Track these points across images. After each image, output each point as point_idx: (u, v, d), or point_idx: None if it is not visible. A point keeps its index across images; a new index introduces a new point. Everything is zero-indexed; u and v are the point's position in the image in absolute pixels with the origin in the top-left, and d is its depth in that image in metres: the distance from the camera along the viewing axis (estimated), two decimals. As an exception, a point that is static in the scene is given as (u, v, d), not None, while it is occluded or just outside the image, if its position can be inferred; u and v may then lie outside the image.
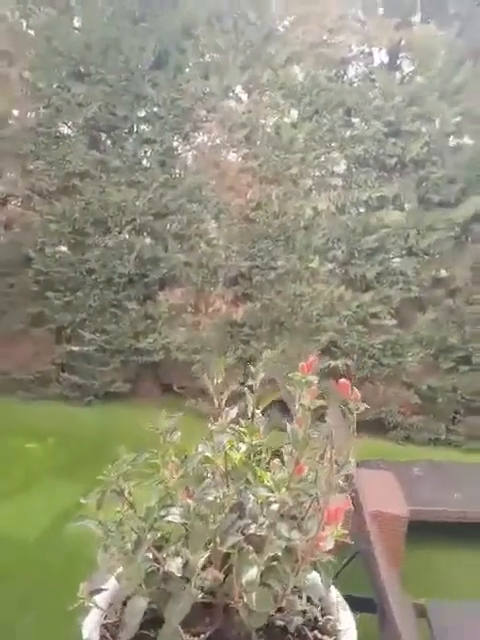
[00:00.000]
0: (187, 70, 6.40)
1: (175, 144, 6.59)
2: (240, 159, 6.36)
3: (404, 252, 5.87)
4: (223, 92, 6.34)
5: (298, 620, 0.77)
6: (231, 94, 6.50)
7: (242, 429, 0.84)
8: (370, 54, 6.43)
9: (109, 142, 6.54)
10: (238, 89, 6.52)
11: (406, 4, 6.07)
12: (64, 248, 6.57)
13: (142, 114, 6.52)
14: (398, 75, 6.27)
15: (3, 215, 6.62)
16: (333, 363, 5.75)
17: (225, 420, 0.85)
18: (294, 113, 6.41)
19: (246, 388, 0.82)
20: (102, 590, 0.78)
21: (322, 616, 0.82)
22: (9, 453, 4.81)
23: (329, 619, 0.82)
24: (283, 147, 6.06)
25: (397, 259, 5.87)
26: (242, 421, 0.86)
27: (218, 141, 6.48)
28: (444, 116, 5.74)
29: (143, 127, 6.58)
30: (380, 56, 6.58)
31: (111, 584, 0.79)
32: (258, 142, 6.15)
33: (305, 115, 6.10)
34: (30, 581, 3.25)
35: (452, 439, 5.86)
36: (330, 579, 0.82)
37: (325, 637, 0.80)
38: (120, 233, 6.40)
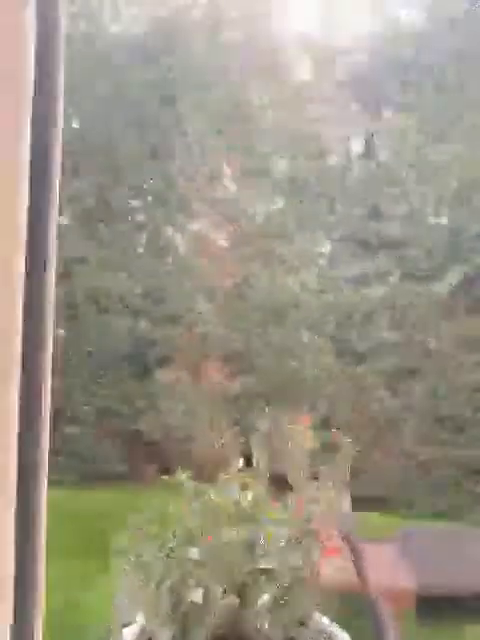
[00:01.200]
0: (178, 162, 6.87)
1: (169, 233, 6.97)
2: (231, 243, 6.72)
3: (392, 325, 6.07)
4: (213, 181, 6.79)
5: (307, 651, 0.86)
6: (220, 183, 6.97)
7: (248, 478, 0.96)
8: (348, 142, 7.01)
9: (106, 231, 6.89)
10: (227, 180, 7.01)
11: (375, 100, 6.70)
12: (61, 331, 6.73)
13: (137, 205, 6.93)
14: (374, 162, 6.80)
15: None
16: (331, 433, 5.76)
17: (234, 470, 0.97)
18: (280, 201, 6.88)
19: (252, 442, 0.96)
20: (129, 624, 0.86)
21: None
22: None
23: (335, 651, 0.90)
24: (272, 232, 6.43)
25: (385, 332, 6.07)
26: (247, 471, 0.98)
27: (210, 229, 6.88)
28: (422, 197, 6.17)
29: (138, 217, 6.97)
30: (356, 146, 7.17)
31: (137, 622, 0.88)
32: (248, 227, 6.53)
33: (291, 202, 6.54)
34: None
35: (454, 511, 5.76)
36: (334, 612, 0.91)
37: (332, 668, 0.88)
38: (118, 316, 6.59)
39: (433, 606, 3.43)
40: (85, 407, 6.54)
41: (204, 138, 6.73)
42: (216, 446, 5.98)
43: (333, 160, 7.06)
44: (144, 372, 6.70)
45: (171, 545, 0.86)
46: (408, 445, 5.92)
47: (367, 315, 6.05)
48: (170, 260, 6.94)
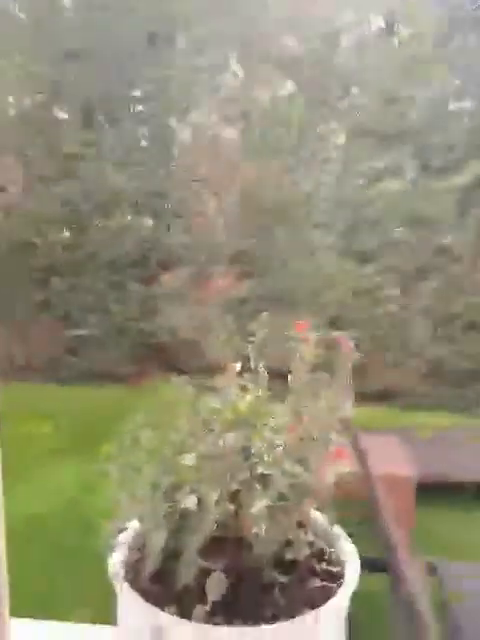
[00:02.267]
0: (181, 47, 6.35)
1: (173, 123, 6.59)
2: (238, 134, 6.35)
3: (406, 221, 5.87)
4: (218, 67, 6.30)
5: (305, 551, 0.85)
6: (226, 69, 6.46)
7: (247, 382, 0.91)
8: (365, 21, 6.37)
9: (106, 124, 6.53)
10: (233, 63, 6.48)
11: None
12: (67, 233, 6.62)
13: (137, 94, 6.50)
14: (396, 41, 6.21)
15: (3, 202, 6.65)
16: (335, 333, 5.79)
17: (231, 374, 0.91)
18: (290, 85, 6.38)
19: (249, 344, 0.89)
20: (125, 529, 0.85)
21: (330, 549, 0.89)
22: (22, 436, 4.92)
23: (333, 551, 0.89)
24: (280, 121, 6.04)
25: (399, 228, 5.88)
26: (246, 375, 0.92)
27: (215, 118, 6.47)
28: (443, 80, 5.70)
29: (139, 107, 6.56)
30: (376, 23, 6.52)
31: (132, 526, 0.87)
32: (255, 117, 6.13)
33: (302, 86, 6.07)
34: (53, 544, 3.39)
35: (460, 405, 5.92)
36: (333, 514, 0.89)
37: (331, 567, 0.87)
38: (121, 215, 6.43)
39: (433, 494, 3.60)
40: (91, 313, 6.58)
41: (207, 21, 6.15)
42: (221, 350, 6.09)
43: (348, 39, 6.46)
44: (150, 274, 6.67)
45: (165, 450, 0.82)
46: (417, 343, 5.97)
47: (380, 211, 5.82)
48: (175, 154, 6.62)
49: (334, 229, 6.04)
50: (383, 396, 5.84)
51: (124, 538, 0.85)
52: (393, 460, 3.52)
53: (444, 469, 3.84)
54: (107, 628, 0.89)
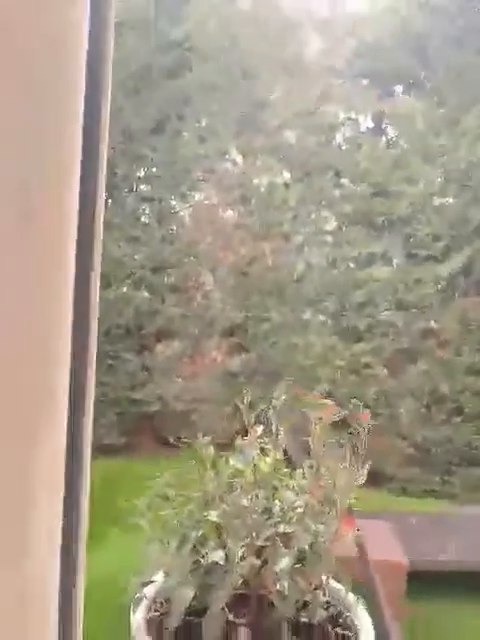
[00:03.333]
0: (185, 134, 6.80)
1: (173, 203, 6.93)
2: (235, 216, 6.68)
3: (393, 305, 6.09)
4: (219, 155, 6.73)
5: (322, 614, 0.88)
6: (227, 157, 6.91)
7: (267, 445, 0.97)
8: (356, 121, 6.93)
9: (109, 201, 6.84)
10: (233, 153, 6.94)
11: (387, 77, 6.60)
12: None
13: (141, 174, 6.87)
14: (384, 139, 6.73)
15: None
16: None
17: (253, 437, 0.98)
18: (286, 175, 6.80)
19: (270, 408, 0.96)
20: (151, 582, 0.88)
21: (343, 613, 0.93)
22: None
23: (348, 616, 0.92)
24: (276, 206, 6.39)
25: (387, 312, 6.08)
26: (266, 438, 0.99)
27: (214, 200, 6.82)
28: (427, 177, 6.12)
29: (142, 187, 6.91)
30: (366, 123, 7.09)
31: (159, 579, 0.90)
32: (253, 201, 6.48)
33: (297, 177, 6.47)
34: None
35: (448, 491, 5.86)
36: (349, 581, 0.93)
37: (346, 632, 0.90)
38: (119, 287, 6.58)
39: (424, 583, 3.51)
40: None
41: (211, 111, 6.65)
42: (217, 421, 6.08)
43: (341, 136, 6.98)
44: (144, 345, 6.73)
45: (190, 507, 0.87)
46: (405, 425, 5.99)
47: (369, 294, 6.05)
48: (174, 231, 6.91)
49: (325, 308, 6.24)
50: (370, 478, 5.78)
51: (148, 593, 0.87)
52: (385, 546, 3.46)
53: (433, 557, 3.76)
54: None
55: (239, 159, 6.98)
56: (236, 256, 6.45)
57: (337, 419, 0.93)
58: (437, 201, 6.27)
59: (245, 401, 0.92)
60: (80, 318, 0.51)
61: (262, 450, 0.94)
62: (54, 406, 0.47)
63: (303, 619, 0.87)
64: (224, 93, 6.63)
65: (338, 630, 0.89)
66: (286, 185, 6.60)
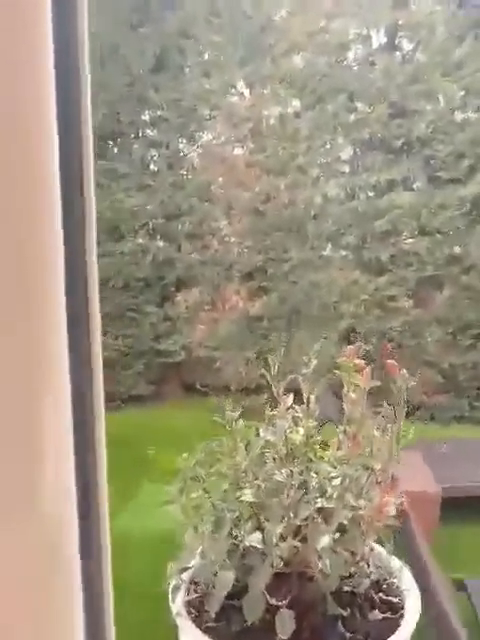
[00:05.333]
0: (187, 70, 6.46)
1: (180, 145, 6.68)
2: (247, 153, 6.42)
3: (416, 232, 5.88)
4: (225, 89, 6.39)
5: (366, 583, 0.85)
6: (233, 90, 6.56)
7: (299, 414, 0.92)
8: (368, 37, 6.44)
9: (116, 149, 6.62)
10: (240, 85, 6.58)
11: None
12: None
13: (147, 118, 6.60)
14: (398, 54, 6.27)
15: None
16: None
17: (284, 407, 0.92)
18: (296, 103, 6.45)
19: (300, 376, 0.90)
20: (188, 568, 0.86)
21: (387, 578, 0.89)
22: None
23: (393, 582, 0.89)
24: (288, 138, 6.10)
25: (410, 240, 5.89)
26: (297, 407, 0.93)
27: (223, 138, 6.55)
28: (447, 92, 5.73)
29: (148, 131, 6.66)
30: (379, 38, 6.58)
31: (195, 563, 0.87)
32: (264, 135, 6.19)
33: (308, 104, 6.13)
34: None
35: (476, 416, 5.86)
36: (392, 546, 0.89)
37: (390, 598, 0.87)
38: (134, 238, 6.48)
39: (457, 508, 3.55)
40: (106, 334, 6.60)
41: (213, 41, 6.26)
42: (241, 367, 6.10)
43: (353, 55, 6.53)
44: (165, 295, 6.71)
45: (224, 487, 0.83)
46: (432, 353, 5.93)
47: (391, 223, 5.84)
48: (185, 175, 6.70)
49: (346, 242, 6.06)
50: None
51: (187, 577, 0.85)
52: (417, 477, 3.48)
53: (465, 483, 3.78)
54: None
55: (246, 91, 6.62)
56: (251, 195, 6.25)
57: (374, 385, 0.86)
58: (459, 117, 5.90)
59: (273, 369, 0.86)
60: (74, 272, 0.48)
61: (294, 420, 0.88)
62: (56, 358, 0.44)
63: (346, 588, 0.83)
64: (225, 19, 6.21)
65: (382, 595, 0.86)
66: (297, 114, 6.27)
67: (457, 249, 5.89)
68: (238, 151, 6.58)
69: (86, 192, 0.51)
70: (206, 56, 6.53)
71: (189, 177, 6.62)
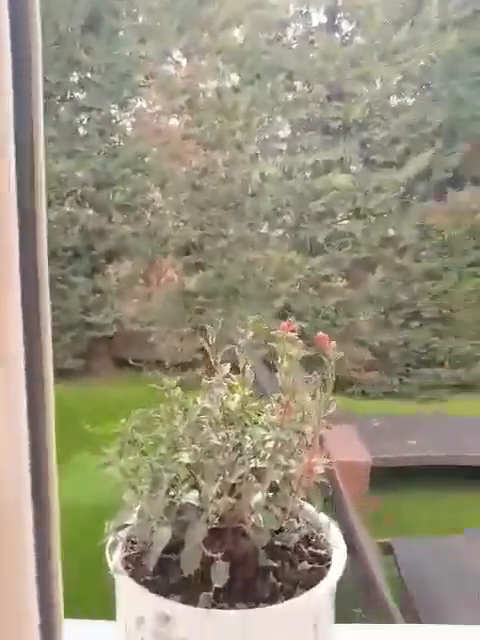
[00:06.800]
0: (121, 34, 6.23)
1: (113, 111, 6.47)
2: (183, 125, 6.31)
3: (352, 214, 6.05)
4: (160, 57, 6.23)
5: (295, 538, 0.91)
6: (169, 59, 6.41)
7: (235, 382, 0.95)
8: (308, 15, 6.47)
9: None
10: (176, 54, 6.43)
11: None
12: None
13: (76, 80, 6.32)
14: (337, 36, 6.34)
15: None
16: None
17: (220, 375, 0.95)
18: (235, 78, 6.40)
19: (236, 346, 0.93)
20: (126, 525, 0.88)
21: (315, 533, 0.96)
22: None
23: (321, 536, 0.95)
24: (226, 112, 6.05)
25: (345, 221, 6.05)
26: (233, 376, 0.97)
27: (158, 107, 6.40)
28: (384, 76, 5.88)
29: (77, 94, 6.39)
30: (318, 17, 6.63)
31: (133, 521, 0.90)
32: (200, 108, 6.11)
33: (247, 79, 6.10)
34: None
35: (405, 391, 6.19)
36: (321, 503, 0.96)
37: (318, 551, 0.94)
38: (62, 205, 6.25)
39: (386, 478, 3.76)
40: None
41: (149, 6, 6.06)
42: (176, 342, 6.10)
43: (292, 33, 6.55)
44: (95, 266, 6.55)
45: (161, 450, 0.86)
46: (364, 332, 6.18)
47: (327, 204, 5.97)
48: (117, 143, 6.51)
49: (283, 221, 6.15)
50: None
51: (124, 535, 0.88)
52: (350, 448, 3.67)
53: (395, 455, 4.00)
54: (108, 623, 0.92)
55: (183, 61, 6.49)
56: (187, 169, 6.18)
57: (305, 354, 0.91)
58: (395, 102, 6.08)
59: (210, 340, 0.89)
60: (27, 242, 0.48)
61: (230, 387, 0.92)
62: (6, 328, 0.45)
63: (277, 543, 0.89)
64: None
65: (311, 549, 0.92)
66: (235, 89, 6.23)
67: (391, 231, 6.12)
68: (174, 122, 6.46)
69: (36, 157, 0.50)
70: (141, 20, 6.32)
71: (122, 145, 6.42)
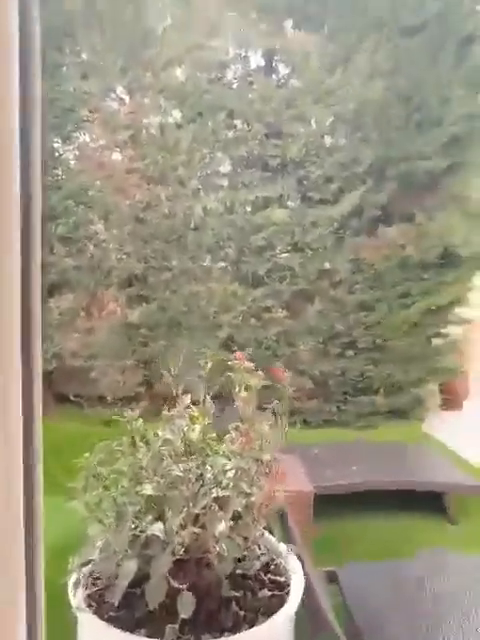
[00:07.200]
0: (64, 69, 6.28)
1: (56, 145, 6.45)
2: (126, 160, 6.36)
3: (290, 248, 6.25)
4: (104, 93, 6.30)
5: (256, 565, 0.94)
6: (113, 95, 6.49)
7: (195, 413, 0.98)
8: (246, 57, 6.75)
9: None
10: (119, 90, 6.52)
11: (278, 9, 6.43)
12: None
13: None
14: (274, 78, 6.64)
15: None
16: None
17: (182, 407, 0.98)
18: (177, 114, 6.55)
19: (197, 378, 0.97)
20: (90, 561, 0.88)
21: (274, 560, 0.99)
22: None
23: (280, 562, 0.99)
24: (168, 148, 6.16)
25: (284, 254, 6.24)
26: (193, 407, 1.00)
27: (101, 142, 6.44)
28: (318, 118, 6.19)
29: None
30: (256, 60, 6.93)
31: (96, 557, 0.90)
32: (144, 143, 6.20)
33: (189, 117, 6.26)
34: None
35: (343, 419, 6.35)
36: (280, 529, 0.99)
37: (277, 577, 0.97)
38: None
39: (328, 505, 3.82)
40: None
41: (92, 44, 6.15)
42: (119, 376, 6.00)
43: (232, 74, 6.79)
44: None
45: (123, 483, 0.87)
46: (304, 361, 6.32)
47: (267, 238, 6.15)
48: (60, 176, 6.47)
49: (225, 254, 6.26)
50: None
51: (87, 571, 0.87)
52: (294, 477, 3.70)
53: (336, 483, 4.05)
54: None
55: (126, 98, 6.58)
56: (130, 202, 6.21)
57: (264, 385, 0.96)
58: (328, 142, 6.39)
59: (172, 371, 0.92)
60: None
61: (191, 418, 0.95)
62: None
63: (239, 571, 0.92)
64: (107, 24, 6.13)
65: (271, 576, 0.95)
66: (178, 126, 6.37)
67: (327, 265, 6.35)
68: (117, 156, 6.51)
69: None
70: (85, 57, 6.39)
71: (64, 178, 6.40)
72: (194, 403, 0.95)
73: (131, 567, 0.82)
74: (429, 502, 4.08)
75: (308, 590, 2.35)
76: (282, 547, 0.95)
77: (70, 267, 6.24)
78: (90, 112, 6.26)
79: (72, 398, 6.32)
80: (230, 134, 6.37)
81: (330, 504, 3.81)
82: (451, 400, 6.88)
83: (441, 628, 2.38)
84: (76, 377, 6.31)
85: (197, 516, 0.86)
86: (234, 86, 6.53)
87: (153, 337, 6.22)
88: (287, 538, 2.77)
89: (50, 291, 6.40)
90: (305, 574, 2.43)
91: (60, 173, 6.48)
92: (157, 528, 0.83)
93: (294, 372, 6.25)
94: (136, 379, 6.14)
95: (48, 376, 6.44)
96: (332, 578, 2.84)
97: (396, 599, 2.58)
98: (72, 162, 6.59)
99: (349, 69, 6.04)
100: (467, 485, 4.11)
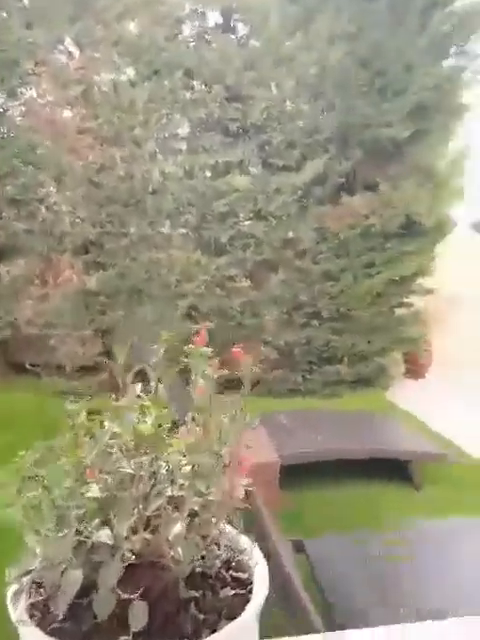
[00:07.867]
0: (5, 15, 5.83)
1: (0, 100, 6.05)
2: (78, 118, 6.03)
3: (253, 216, 6.11)
4: (51, 44, 5.90)
5: (217, 564, 0.87)
6: (61, 48, 6.08)
7: (147, 403, 0.90)
8: (203, 14, 6.43)
9: None
10: (67, 42, 6.11)
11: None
12: None
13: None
14: (234, 38, 6.36)
15: None
16: (195, 327, 5.87)
17: (132, 396, 0.89)
18: (131, 72, 6.21)
19: (148, 365, 0.87)
20: (30, 571, 0.80)
21: (236, 556, 0.93)
22: None
23: (242, 558, 0.92)
24: (123, 107, 5.86)
25: (247, 222, 6.10)
26: (144, 396, 0.91)
27: (50, 98, 6.06)
28: (279, 81, 5.99)
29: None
30: (214, 17, 6.60)
31: (38, 565, 0.81)
32: (96, 101, 5.87)
33: (144, 75, 5.95)
34: None
35: (309, 388, 6.38)
36: (241, 525, 0.92)
37: (240, 574, 0.91)
38: None
39: (294, 475, 3.83)
40: None
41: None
42: (77, 345, 5.82)
43: (189, 31, 6.47)
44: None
45: (67, 484, 0.78)
46: (269, 331, 6.29)
47: (230, 205, 5.99)
48: (6, 133, 6.09)
49: (186, 221, 6.08)
50: (236, 383, 6.06)
51: (29, 580, 0.79)
52: (259, 448, 3.67)
53: (302, 451, 4.04)
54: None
55: (76, 51, 6.19)
56: (83, 163, 5.91)
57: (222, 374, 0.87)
58: (290, 107, 6.20)
59: (120, 359, 0.82)
60: None
61: (142, 409, 0.86)
62: None
63: (198, 570, 0.85)
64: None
65: (232, 573, 0.89)
66: (132, 84, 6.05)
67: (290, 233, 6.26)
68: (68, 114, 6.15)
69: None
70: (27, 2, 5.94)
71: (11, 136, 6.02)
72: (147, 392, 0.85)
73: (76, 577, 0.73)
74: (394, 470, 4.15)
75: (275, 562, 2.34)
76: (245, 541, 0.88)
77: (20, 231, 5.94)
78: (36, 65, 5.86)
79: (29, 367, 6.13)
80: (188, 95, 6.10)
81: (296, 474, 3.83)
82: (414, 369, 7.02)
83: (401, 589, 2.43)
84: (33, 346, 6.12)
85: (149, 519, 0.78)
86: (191, 45, 6.23)
87: (112, 305, 6.04)
88: (252, 518, 2.76)
89: (0, 256, 6.11)
90: (273, 547, 2.42)
91: (5, 130, 6.09)
92: (104, 534, 0.74)
93: (260, 342, 6.22)
94: (95, 349, 5.98)
95: (2, 345, 6.22)
96: (299, 548, 2.85)
97: (363, 566, 2.61)
98: (19, 119, 6.20)
99: (310, 31, 5.83)
100: (432, 453, 4.19)
